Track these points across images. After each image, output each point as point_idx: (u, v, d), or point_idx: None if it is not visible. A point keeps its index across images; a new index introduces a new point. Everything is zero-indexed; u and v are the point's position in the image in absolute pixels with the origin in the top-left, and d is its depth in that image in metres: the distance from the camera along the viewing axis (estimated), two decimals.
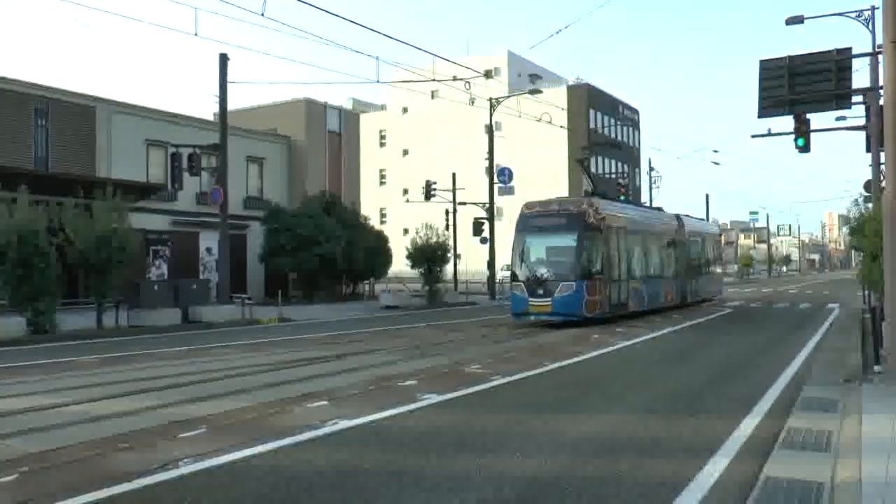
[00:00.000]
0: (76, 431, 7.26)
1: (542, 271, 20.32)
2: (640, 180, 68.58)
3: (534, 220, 21.42)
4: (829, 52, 17.44)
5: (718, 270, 36.52)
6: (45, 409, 8.45)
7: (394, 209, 67.99)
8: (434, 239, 30.79)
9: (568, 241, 20.44)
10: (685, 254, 28.71)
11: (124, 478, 5.58)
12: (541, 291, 19.95)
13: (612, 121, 67.02)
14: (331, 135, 39.53)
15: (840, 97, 17.74)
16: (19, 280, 16.92)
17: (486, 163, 38.48)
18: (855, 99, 19.11)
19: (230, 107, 25.42)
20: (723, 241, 40.97)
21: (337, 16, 17.88)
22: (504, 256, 51.82)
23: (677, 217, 29.87)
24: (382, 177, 72.05)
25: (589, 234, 20.43)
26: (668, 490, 5.25)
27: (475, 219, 38.69)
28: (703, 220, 41.31)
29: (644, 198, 63.07)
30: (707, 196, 71.81)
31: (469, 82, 31.85)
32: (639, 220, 25.53)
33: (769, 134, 21.61)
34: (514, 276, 21.14)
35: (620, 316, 21.48)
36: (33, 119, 26.08)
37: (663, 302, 25.57)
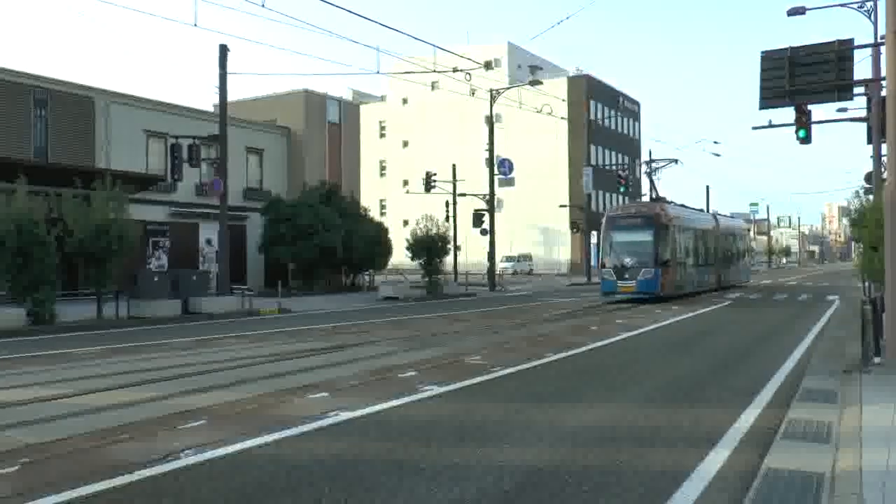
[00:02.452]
0: (77, 422, 7.26)
1: (627, 260, 25.84)
2: (639, 171, 68.53)
3: (618, 220, 27.11)
4: (831, 43, 17.31)
5: (746, 260, 41.92)
6: (45, 399, 8.45)
7: (394, 200, 67.92)
8: (434, 230, 30.79)
9: (647, 236, 26.03)
10: (721, 246, 34.26)
11: (126, 469, 5.58)
12: (627, 276, 25.62)
13: (613, 112, 66.90)
14: (330, 126, 39.42)
15: (841, 88, 17.60)
16: (18, 270, 16.92)
17: (487, 154, 38.41)
18: (856, 90, 19.00)
19: (230, 98, 25.34)
20: (749, 236, 47.55)
21: (337, 6, 17.78)
22: (503, 248, 52.08)
23: (714, 216, 36.26)
24: (382, 168, 71.94)
25: (662, 231, 26.21)
26: (670, 481, 5.26)
27: (475, 210, 38.68)
28: (734, 217, 47.84)
29: (644, 190, 63.06)
30: (707, 188, 72.03)
31: (469, 73, 31.75)
32: (691, 219, 30.96)
33: (770, 125, 21.54)
34: (602, 265, 26.90)
35: (678, 296, 26.82)
36: (32, 109, 26.00)
37: (706, 286, 31.06)
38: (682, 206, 32.79)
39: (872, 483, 4.74)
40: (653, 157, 51.87)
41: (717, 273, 33.11)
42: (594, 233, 48.43)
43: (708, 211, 44.98)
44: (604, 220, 27.75)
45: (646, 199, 60.04)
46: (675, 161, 34.84)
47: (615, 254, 26.38)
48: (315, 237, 30.73)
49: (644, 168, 33.19)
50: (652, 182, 33.11)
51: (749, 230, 50.40)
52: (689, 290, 28.56)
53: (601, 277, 27.19)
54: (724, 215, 40.43)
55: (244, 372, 10.53)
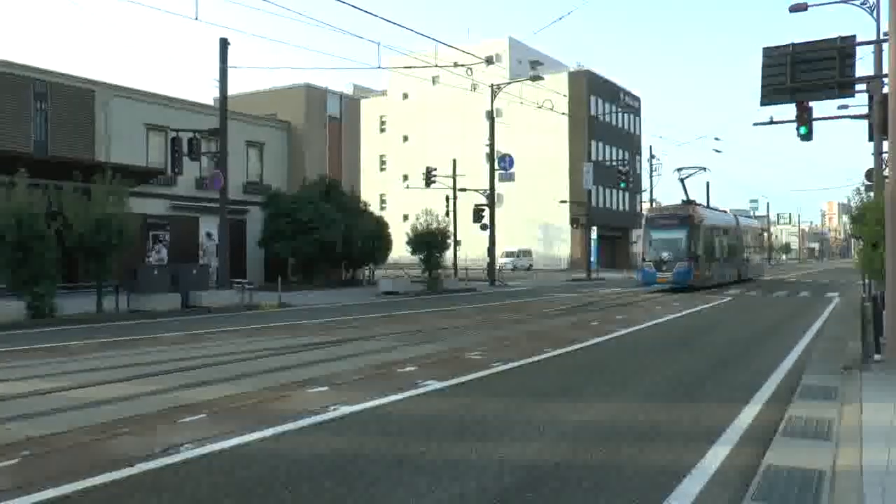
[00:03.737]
0: (77, 416, 7.26)
1: (665, 254, 30.12)
2: (640, 167, 68.43)
3: (656, 220, 31.70)
4: (833, 39, 17.27)
5: (759, 256, 46.75)
6: (45, 393, 8.45)
7: (394, 195, 67.90)
8: (434, 225, 30.76)
9: (682, 234, 30.15)
10: (740, 243, 38.36)
11: (125, 463, 5.58)
12: (664, 268, 29.92)
13: (614, 108, 66.80)
14: (331, 120, 39.34)
15: (843, 85, 17.57)
16: (18, 263, 16.90)
17: (487, 149, 38.38)
18: (858, 87, 18.97)
19: (230, 91, 25.27)
20: (763, 234, 53.73)
21: (339, 0, 17.73)
22: (503, 243, 52.06)
23: (735, 216, 41.00)
24: (382, 163, 71.89)
25: (694, 230, 30.31)
26: (670, 477, 5.26)
27: (475, 205, 38.65)
28: (750, 217, 53.83)
29: (644, 185, 63.08)
30: (707, 184, 71.46)
31: (470, 68, 31.80)
32: (716, 219, 35.52)
33: (771, 122, 21.52)
34: (643, 258, 31.38)
35: (701, 286, 30.47)
36: (32, 103, 25.94)
37: (729, 278, 34.87)
38: (709, 207, 37.50)
39: (873, 481, 4.74)
40: (653, 152, 52.67)
41: (737, 267, 36.99)
42: (594, 228, 48.50)
43: (708, 206, 45.26)
44: (644, 221, 32.70)
45: (646, 195, 60.73)
46: (704, 168, 37.51)
47: (654, 249, 30.65)
48: (316, 233, 30.71)
49: (677, 175, 35.99)
50: (683, 186, 35.82)
51: (763, 229, 55.91)
52: (716, 281, 32.49)
53: (641, 269, 31.52)
54: (743, 215, 46.85)
55: (244, 366, 10.53)
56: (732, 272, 35.94)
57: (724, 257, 34.70)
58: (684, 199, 34.35)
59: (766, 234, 60.05)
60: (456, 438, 6.46)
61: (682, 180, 35.88)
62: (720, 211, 39.26)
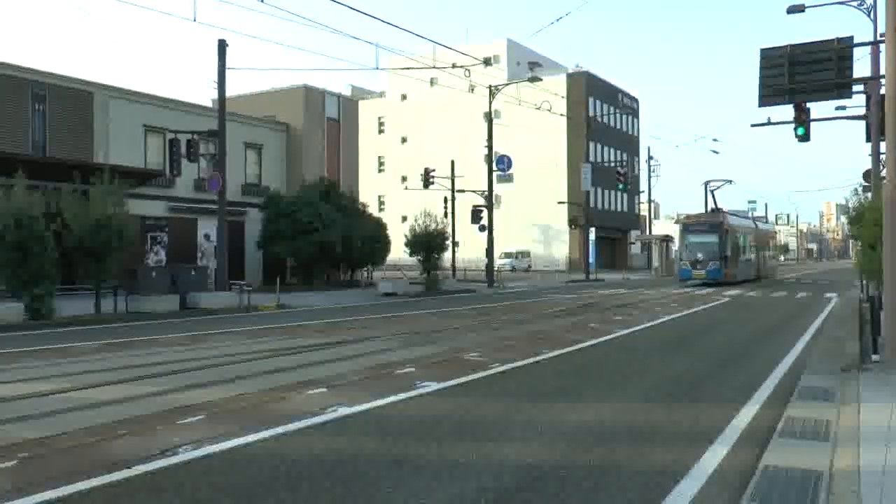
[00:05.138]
0: (75, 417, 7.26)
1: (699, 255, 35.45)
2: (638, 168, 68.48)
3: (691, 227, 37.03)
4: (830, 40, 17.29)
5: (773, 257, 52.23)
6: (44, 394, 8.45)
7: (392, 196, 67.86)
8: (433, 226, 30.77)
9: (713, 238, 35.31)
10: (758, 245, 43.21)
11: (124, 464, 5.58)
12: (699, 267, 35.44)
13: (612, 109, 66.84)
14: (329, 121, 39.31)
15: (840, 86, 17.59)
16: (17, 264, 16.89)
17: (485, 150, 38.38)
18: (855, 88, 18.99)
19: (229, 93, 25.25)
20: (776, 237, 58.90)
21: (336, 2, 17.75)
22: (502, 244, 52.13)
23: (754, 220, 47.59)
24: (381, 164, 71.83)
25: (724, 234, 35.37)
26: (668, 478, 5.27)
27: (474, 206, 38.68)
28: (765, 221, 59.50)
29: (643, 186, 63.20)
30: (706, 184, 71.61)
31: (468, 70, 31.73)
32: (741, 225, 40.46)
33: (769, 123, 21.54)
34: (680, 258, 37.82)
35: (728, 283, 35.16)
36: (31, 104, 25.92)
37: (750, 276, 39.76)
38: (734, 214, 42.63)
39: (870, 481, 4.75)
40: (651, 154, 53.59)
41: (756, 266, 42.04)
42: (593, 230, 48.55)
43: (706, 207, 45.54)
44: (679, 227, 38.68)
45: (644, 196, 60.91)
46: (730, 181, 42.52)
47: (690, 251, 36.09)
48: (314, 234, 30.70)
49: (707, 187, 40.62)
50: (714, 196, 40.17)
51: (776, 232, 60.64)
52: (741, 278, 37.36)
53: (679, 268, 37.93)
54: (759, 220, 51.81)
55: (242, 368, 10.52)
56: (753, 270, 40.91)
57: (747, 258, 39.82)
58: (713, 207, 39.67)
59: (777, 237, 63.88)
60: (455, 439, 6.47)
61: (711, 192, 40.38)
62: (743, 216, 45.34)
